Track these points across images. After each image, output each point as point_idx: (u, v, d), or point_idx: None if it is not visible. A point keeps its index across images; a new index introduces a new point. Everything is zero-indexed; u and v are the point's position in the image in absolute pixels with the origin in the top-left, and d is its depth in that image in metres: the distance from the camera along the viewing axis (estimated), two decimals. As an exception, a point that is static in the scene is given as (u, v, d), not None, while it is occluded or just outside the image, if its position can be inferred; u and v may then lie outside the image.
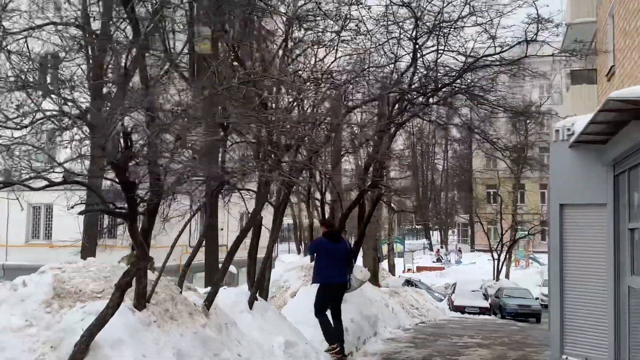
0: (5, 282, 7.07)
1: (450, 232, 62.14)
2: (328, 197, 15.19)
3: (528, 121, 29.44)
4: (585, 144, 9.03)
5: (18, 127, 5.07)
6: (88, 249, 16.21)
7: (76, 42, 15.93)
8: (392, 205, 19.48)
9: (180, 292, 7.51)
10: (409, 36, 11.64)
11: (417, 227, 62.98)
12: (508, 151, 15.87)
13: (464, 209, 54.80)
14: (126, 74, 15.82)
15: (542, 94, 22.07)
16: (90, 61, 16.18)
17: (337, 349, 9.55)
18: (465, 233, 60.28)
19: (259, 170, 7.17)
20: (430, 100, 12.11)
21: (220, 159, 7.31)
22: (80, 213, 5.21)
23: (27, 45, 15.30)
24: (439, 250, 53.03)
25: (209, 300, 7.60)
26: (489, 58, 11.82)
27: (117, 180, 5.20)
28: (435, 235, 63.31)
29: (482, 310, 27.65)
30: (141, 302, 6.28)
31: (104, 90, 17.13)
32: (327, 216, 14.69)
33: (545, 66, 15.49)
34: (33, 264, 24.80)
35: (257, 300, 9.15)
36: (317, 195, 15.12)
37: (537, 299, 29.52)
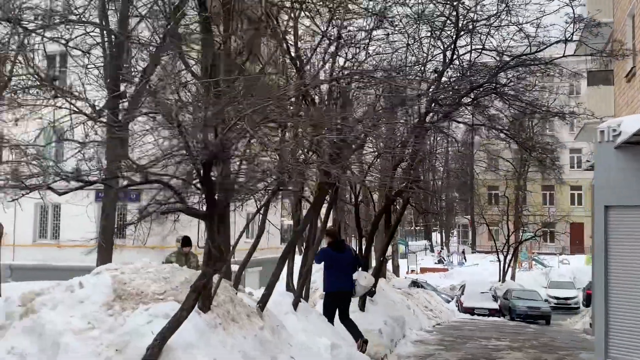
0: (60, 283, 6.91)
1: (449, 233, 62.06)
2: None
3: (535, 122, 29.25)
4: (634, 145, 8.94)
5: (117, 125, 4.92)
6: (105, 250, 15.97)
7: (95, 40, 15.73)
8: (417, 207, 19.21)
9: (236, 294, 7.36)
10: (447, 34, 11.55)
11: (416, 228, 62.88)
12: (536, 152, 15.81)
13: (464, 210, 54.70)
14: (145, 73, 15.56)
15: (548, 95, 21.85)
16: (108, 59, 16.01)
17: (364, 341, 9.61)
18: (465, 234, 60.22)
19: (320, 170, 7.02)
20: (462, 100, 11.99)
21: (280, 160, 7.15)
22: (162, 213, 5.05)
23: (44, 45, 15.02)
24: (440, 251, 52.97)
25: (263, 302, 7.47)
26: (519, 58, 11.69)
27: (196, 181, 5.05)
28: (435, 237, 63.20)
29: (492, 312, 27.55)
30: (206, 304, 6.13)
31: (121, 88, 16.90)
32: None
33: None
34: (41, 264, 24.46)
35: (300, 302, 9.02)
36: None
37: (545, 301, 29.49)
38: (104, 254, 15.68)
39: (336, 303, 9.94)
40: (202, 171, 4.80)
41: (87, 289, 6.53)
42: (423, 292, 26.07)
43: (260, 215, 8.23)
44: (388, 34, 11.26)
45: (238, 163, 5.42)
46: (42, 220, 26.72)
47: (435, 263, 48.50)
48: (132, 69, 15.95)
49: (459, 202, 51.52)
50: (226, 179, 5.33)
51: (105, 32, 15.10)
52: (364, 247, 12.99)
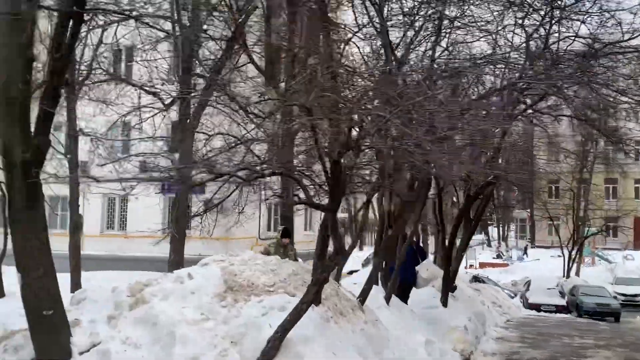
0: (167, 274, 6.95)
1: (507, 227, 60.77)
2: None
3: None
4: None
5: (261, 116, 4.88)
6: (177, 240, 16.17)
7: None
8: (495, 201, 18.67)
9: (338, 287, 7.28)
10: (532, 22, 11.19)
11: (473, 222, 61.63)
12: (623, 143, 15.23)
13: (523, 204, 53.38)
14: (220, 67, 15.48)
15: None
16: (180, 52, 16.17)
17: None
18: (522, 229, 58.89)
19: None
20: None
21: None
22: (290, 204, 4.99)
23: (117, 37, 15.15)
24: (499, 246, 51.93)
25: (363, 297, 7.37)
26: (614, 45, 11.21)
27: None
28: (491, 231, 61.94)
29: (559, 309, 26.71)
30: (317, 297, 6.05)
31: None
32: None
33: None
34: (109, 254, 24.98)
35: (392, 296, 8.89)
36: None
37: (615, 297, 28.49)
38: (177, 245, 15.91)
39: (400, 293, 10.12)
40: (331, 166, 4.70)
41: (196, 280, 6.55)
42: (489, 287, 25.57)
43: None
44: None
45: (354, 157, 5.29)
46: (110, 211, 27.34)
47: (494, 258, 47.53)
48: (203, 63, 16.10)
49: (518, 195, 50.37)
50: (345, 173, 5.22)
51: (177, 25, 15.24)
52: (446, 242, 12.80)
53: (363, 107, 4.56)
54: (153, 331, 6.11)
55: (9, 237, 16.80)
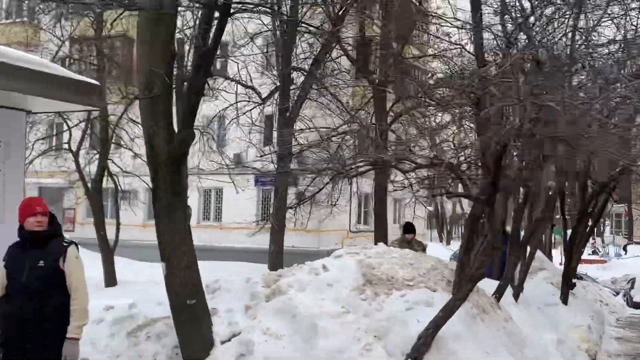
0: (302, 266, 6.94)
1: (603, 222, 58.04)
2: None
3: None
4: None
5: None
6: (277, 232, 16.32)
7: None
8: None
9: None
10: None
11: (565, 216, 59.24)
12: None
13: (618, 197, 50.72)
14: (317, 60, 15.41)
15: None
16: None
17: None
18: (618, 224, 56.14)
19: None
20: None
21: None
22: (437, 195, 4.84)
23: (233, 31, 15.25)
24: (594, 242, 49.66)
25: (500, 293, 7.11)
26: None
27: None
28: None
29: (665, 308, 25.27)
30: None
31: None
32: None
33: None
34: (204, 244, 25.63)
35: (522, 292, 8.56)
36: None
37: None
38: (277, 236, 16.04)
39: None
40: (496, 156, 4.50)
41: (331, 272, 6.49)
42: (592, 285, 24.44)
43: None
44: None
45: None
46: (206, 203, 28.01)
47: (589, 254, 45.43)
48: (302, 56, 16.11)
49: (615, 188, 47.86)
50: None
51: (276, 18, 15.26)
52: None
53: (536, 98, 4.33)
54: (293, 322, 6.09)
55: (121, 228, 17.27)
